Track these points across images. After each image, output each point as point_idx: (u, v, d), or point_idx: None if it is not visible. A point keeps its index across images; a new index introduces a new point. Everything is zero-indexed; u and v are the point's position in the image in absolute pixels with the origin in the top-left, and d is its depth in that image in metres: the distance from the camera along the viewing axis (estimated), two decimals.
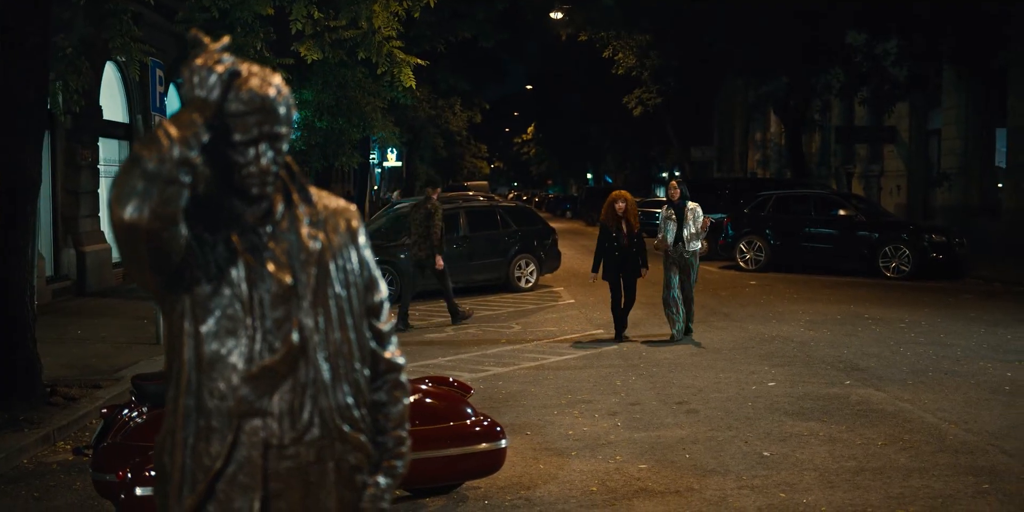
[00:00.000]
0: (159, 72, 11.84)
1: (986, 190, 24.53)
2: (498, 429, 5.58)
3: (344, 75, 13.83)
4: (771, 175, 37.38)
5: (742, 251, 20.31)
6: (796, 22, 23.08)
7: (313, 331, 2.29)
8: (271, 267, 2.28)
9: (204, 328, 2.24)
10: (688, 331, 11.85)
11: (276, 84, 2.25)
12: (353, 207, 2.50)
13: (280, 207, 2.34)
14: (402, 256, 16.08)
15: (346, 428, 2.31)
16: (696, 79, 32.61)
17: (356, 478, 2.35)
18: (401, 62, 9.90)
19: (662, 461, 6.76)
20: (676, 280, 11.58)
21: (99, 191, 17.30)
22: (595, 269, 11.75)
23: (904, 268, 18.26)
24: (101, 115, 17.23)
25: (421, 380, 6.26)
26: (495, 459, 5.58)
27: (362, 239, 2.45)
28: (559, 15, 33.72)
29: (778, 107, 28.93)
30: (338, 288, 2.35)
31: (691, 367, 9.99)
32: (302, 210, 2.37)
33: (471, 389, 6.22)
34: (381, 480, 2.39)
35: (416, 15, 9.94)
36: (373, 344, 2.43)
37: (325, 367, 2.29)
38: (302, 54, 9.87)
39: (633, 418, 8.00)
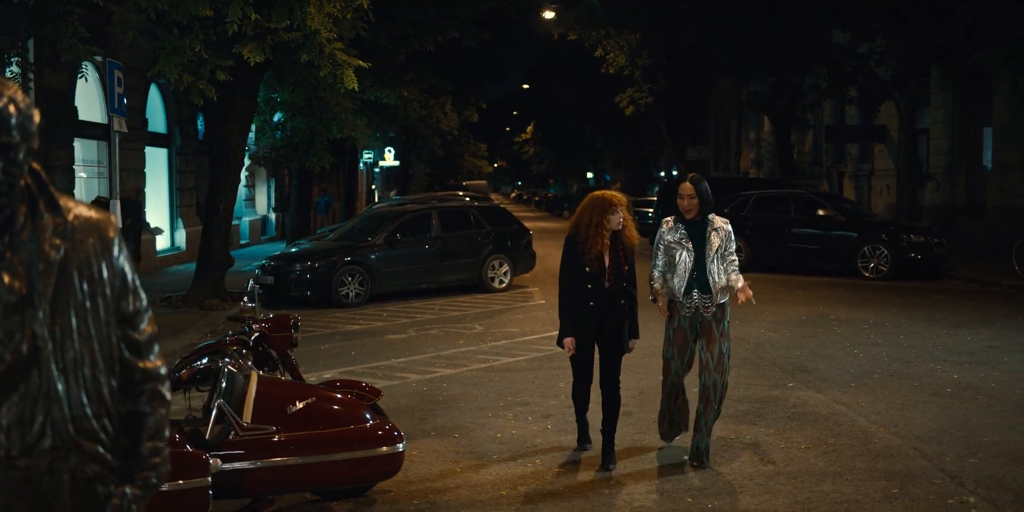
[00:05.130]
0: (117, 73, 11.86)
1: (972, 189, 24.43)
2: (396, 433, 5.56)
3: (314, 75, 13.83)
4: (764, 174, 37.28)
5: None
6: (778, 22, 23.01)
7: (47, 341, 2.27)
8: (5, 277, 2.26)
9: None
10: (701, 451, 6.62)
11: (8, 95, 2.23)
12: (111, 218, 2.48)
13: (23, 217, 2.32)
14: (372, 256, 16.11)
15: (81, 439, 2.29)
16: (687, 78, 32.52)
17: (97, 489, 2.33)
18: (343, 64, 9.88)
19: (581, 465, 6.73)
20: (686, 356, 6.68)
21: (74, 192, 17.33)
22: (568, 331, 6.75)
23: (883, 268, 18.19)
24: (76, 116, 17.25)
25: (331, 384, 6.26)
26: (392, 463, 5.55)
27: (116, 249, 2.42)
28: (551, 14, 33.68)
29: (766, 107, 28.85)
30: (81, 298, 2.33)
31: (639, 369, 9.93)
32: (47, 220, 2.35)
33: (380, 393, 6.21)
34: (128, 491, 2.37)
35: (348, 16, 9.91)
36: (127, 354, 2.42)
37: (59, 378, 2.27)
38: (244, 56, 9.88)
39: (566, 421, 7.95)
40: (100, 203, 12.56)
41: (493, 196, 70.26)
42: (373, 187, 50.48)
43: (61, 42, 9.50)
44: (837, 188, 30.89)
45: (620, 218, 6.59)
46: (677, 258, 6.63)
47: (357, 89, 11.04)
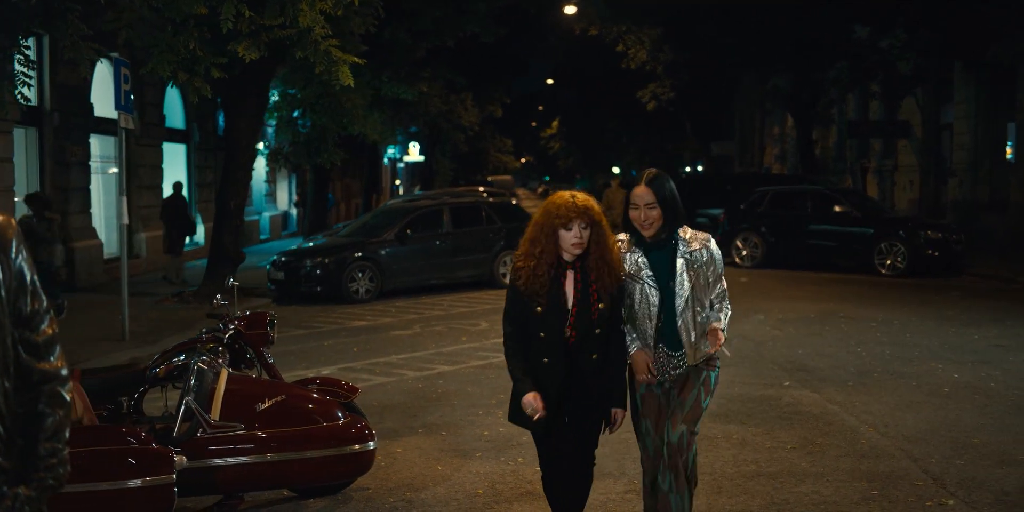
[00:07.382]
0: (124, 70, 11.94)
1: (996, 185, 24.11)
2: (367, 431, 5.57)
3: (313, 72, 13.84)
4: (788, 170, 37.01)
5: (738, 247, 20.12)
6: (793, 16, 22.82)
7: None
8: None
9: None
10: None
11: None
12: (11, 220, 2.49)
13: None
14: (383, 252, 16.14)
15: None
16: (708, 73, 32.31)
17: None
18: (338, 60, 9.91)
19: None
20: (653, 432, 4.59)
21: (90, 187, 17.51)
22: (523, 386, 4.35)
23: (900, 265, 17.98)
24: (92, 112, 17.41)
25: (309, 381, 6.28)
26: (363, 460, 5.56)
27: (13, 250, 2.44)
28: (573, 10, 33.57)
29: (787, 102, 28.63)
30: None
31: None
32: None
33: (357, 391, 6.21)
34: (21, 492, 2.39)
35: (339, 13, 9.93)
36: (24, 355, 2.43)
37: None
38: (240, 54, 9.93)
39: None
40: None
41: (519, 191, 70.28)
42: (397, 182, 50.66)
43: (65, 40, 9.57)
44: (861, 184, 30.62)
45: (578, 236, 4.26)
46: (637, 298, 4.44)
47: (352, 86, 11.07)
